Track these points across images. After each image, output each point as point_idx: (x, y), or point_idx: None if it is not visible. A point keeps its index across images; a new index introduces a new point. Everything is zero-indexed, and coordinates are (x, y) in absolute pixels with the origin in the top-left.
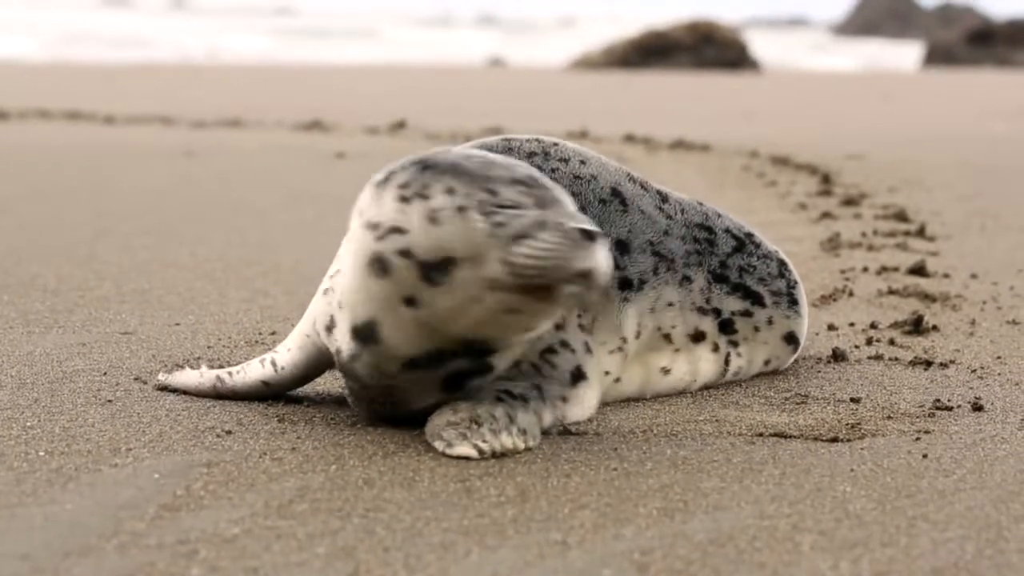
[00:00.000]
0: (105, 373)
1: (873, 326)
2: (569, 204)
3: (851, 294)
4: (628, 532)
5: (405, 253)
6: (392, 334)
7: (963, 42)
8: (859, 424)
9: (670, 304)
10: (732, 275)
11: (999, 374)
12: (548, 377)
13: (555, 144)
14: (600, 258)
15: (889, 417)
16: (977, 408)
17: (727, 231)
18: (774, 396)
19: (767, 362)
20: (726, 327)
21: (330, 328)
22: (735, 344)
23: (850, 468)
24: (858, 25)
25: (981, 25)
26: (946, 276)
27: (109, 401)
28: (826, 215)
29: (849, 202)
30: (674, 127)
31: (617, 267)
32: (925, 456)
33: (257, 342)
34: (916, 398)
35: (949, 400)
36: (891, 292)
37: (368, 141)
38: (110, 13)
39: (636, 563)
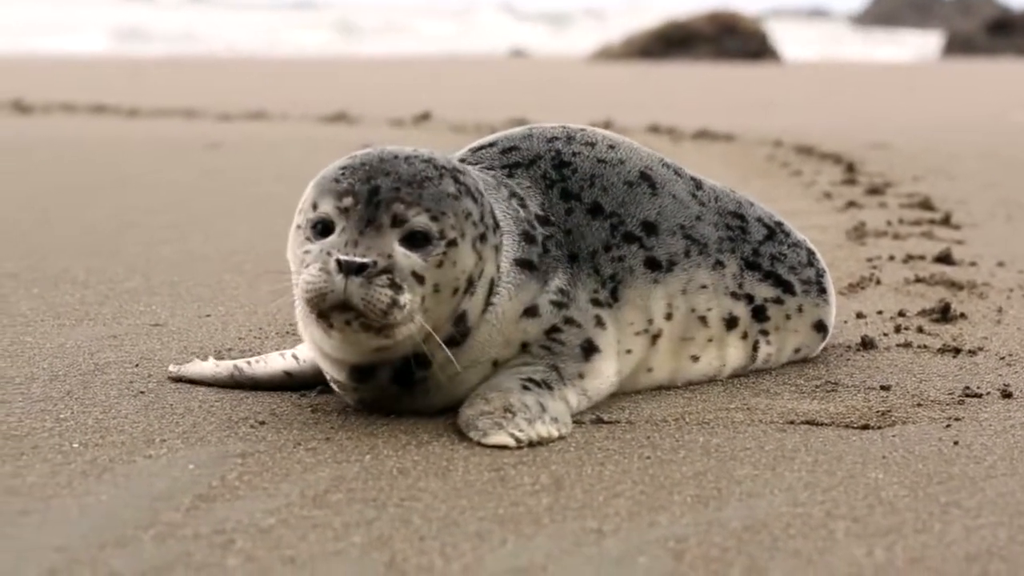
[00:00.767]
0: (137, 365)
1: (901, 314)
2: (387, 223)
3: (878, 282)
4: (663, 520)
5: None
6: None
7: (983, 32)
8: (889, 411)
9: (703, 287)
10: (764, 263)
11: None
12: (560, 355)
13: (582, 130)
14: (351, 290)
15: (919, 404)
16: (1006, 395)
17: (759, 219)
18: (804, 384)
19: (797, 350)
20: (759, 314)
21: None
22: (765, 333)
23: (882, 455)
24: (877, 15)
25: (1000, 15)
26: (972, 264)
27: (142, 392)
28: (851, 204)
29: (874, 191)
30: (697, 117)
31: (643, 247)
32: (956, 443)
33: (288, 333)
34: (945, 385)
35: (978, 387)
36: (918, 280)
37: (393, 133)
38: (129, 8)
39: (672, 550)
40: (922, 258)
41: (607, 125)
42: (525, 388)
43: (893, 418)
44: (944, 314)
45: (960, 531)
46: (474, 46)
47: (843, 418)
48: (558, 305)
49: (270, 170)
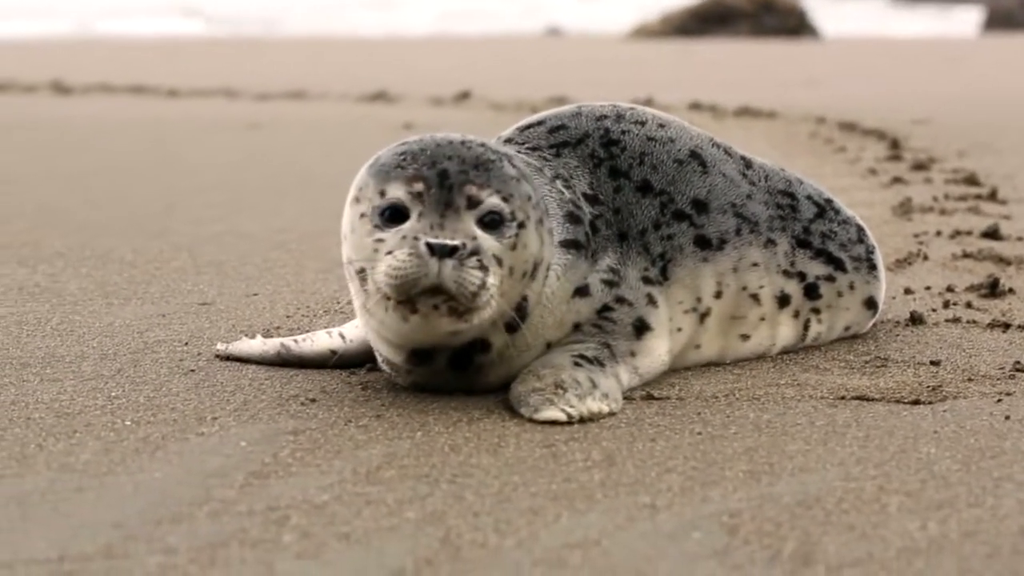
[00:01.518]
0: (186, 343)
1: (949, 289)
2: (463, 204)
3: (925, 258)
4: (715, 495)
5: (348, 260)
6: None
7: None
8: (940, 387)
9: (755, 264)
10: (815, 241)
11: None
12: (612, 333)
13: (632, 108)
14: (445, 273)
15: (970, 379)
16: None
17: (808, 197)
18: (854, 360)
19: (847, 328)
20: (811, 292)
21: None
22: (816, 311)
23: (933, 430)
24: None
25: None
26: (1020, 239)
27: (192, 371)
28: (897, 180)
29: (919, 167)
30: (739, 94)
31: (693, 225)
32: (1007, 418)
33: (336, 311)
34: (996, 360)
35: None
36: (965, 255)
37: (434, 112)
38: None
39: (725, 525)
40: (969, 233)
41: (649, 102)
42: (576, 364)
43: (944, 393)
44: (992, 289)
45: (1013, 505)
46: (508, 24)
47: (894, 393)
48: (609, 284)
49: (313, 148)
